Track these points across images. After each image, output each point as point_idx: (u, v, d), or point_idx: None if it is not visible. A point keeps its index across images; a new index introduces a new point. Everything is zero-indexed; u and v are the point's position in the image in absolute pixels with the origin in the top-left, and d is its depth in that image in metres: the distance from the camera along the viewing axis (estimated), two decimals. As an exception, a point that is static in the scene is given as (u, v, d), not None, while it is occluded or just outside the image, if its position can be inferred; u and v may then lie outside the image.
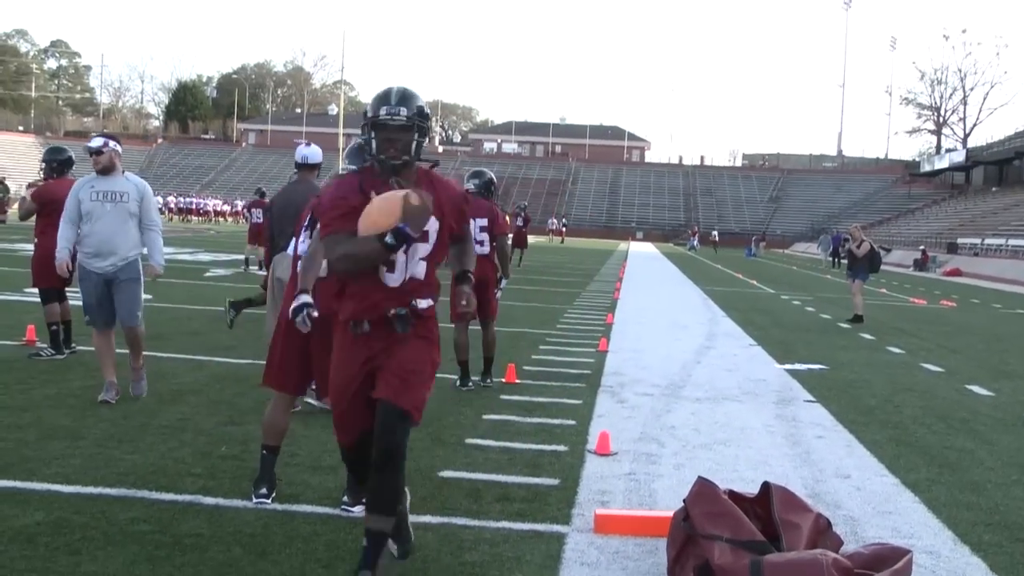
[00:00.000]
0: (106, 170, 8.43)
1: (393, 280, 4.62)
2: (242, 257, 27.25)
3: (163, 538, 5.05)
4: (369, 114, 4.64)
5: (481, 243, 9.89)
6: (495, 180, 10.58)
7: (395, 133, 4.59)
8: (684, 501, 4.90)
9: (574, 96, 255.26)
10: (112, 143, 8.50)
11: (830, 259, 58.84)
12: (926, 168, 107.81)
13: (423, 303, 4.68)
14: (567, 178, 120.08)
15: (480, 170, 10.53)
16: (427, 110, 4.71)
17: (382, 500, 4.47)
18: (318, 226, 5.03)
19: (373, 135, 4.61)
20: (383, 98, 4.64)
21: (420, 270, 4.68)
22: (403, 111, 4.59)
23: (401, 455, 4.52)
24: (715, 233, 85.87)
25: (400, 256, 4.58)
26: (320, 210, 4.79)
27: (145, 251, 8.67)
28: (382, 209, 4.40)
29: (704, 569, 4.65)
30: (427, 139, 4.76)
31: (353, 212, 4.50)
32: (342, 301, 4.73)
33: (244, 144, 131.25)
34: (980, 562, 5.47)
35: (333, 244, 4.53)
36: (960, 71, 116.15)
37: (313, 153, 8.85)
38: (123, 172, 8.58)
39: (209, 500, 5.77)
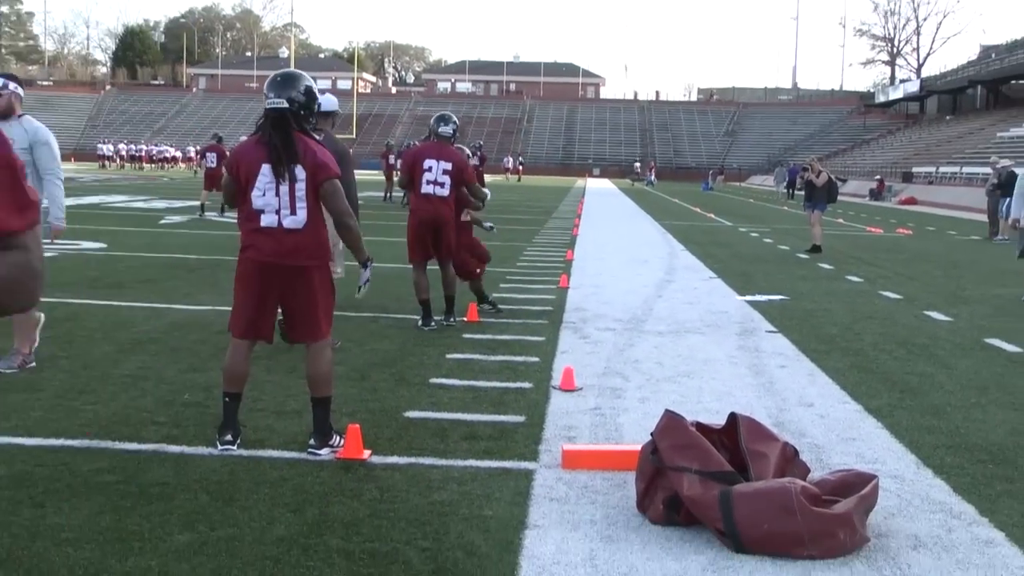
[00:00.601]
0: (3, 114, 7.87)
1: None
2: (198, 203, 26.90)
3: (128, 488, 4.99)
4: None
5: (442, 185, 9.94)
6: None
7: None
8: (652, 434, 4.90)
9: (528, 34, 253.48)
10: (13, 85, 7.92)
11: (786, 191, 59.23)
12: (881, 99, 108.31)
13: None
14: (522, 116, 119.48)
15: (447, 114, 10.44)
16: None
17: None
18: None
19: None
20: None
21: None
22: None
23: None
24: (637, 165, 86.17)
25: None
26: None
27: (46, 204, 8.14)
28: None
29: (674, 501, 4.67)
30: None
31: None
32: None
33: (194, 89, 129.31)
34: (943, 484, 5.53)
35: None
36: (913, 2, 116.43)
37: (327, 101, 8.63)
38: (21, 116, 7.98)
39: (174, 448, 5.71)
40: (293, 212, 5.63)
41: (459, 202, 10.29)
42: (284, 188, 5.62)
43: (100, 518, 4.57)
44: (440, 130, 10.14)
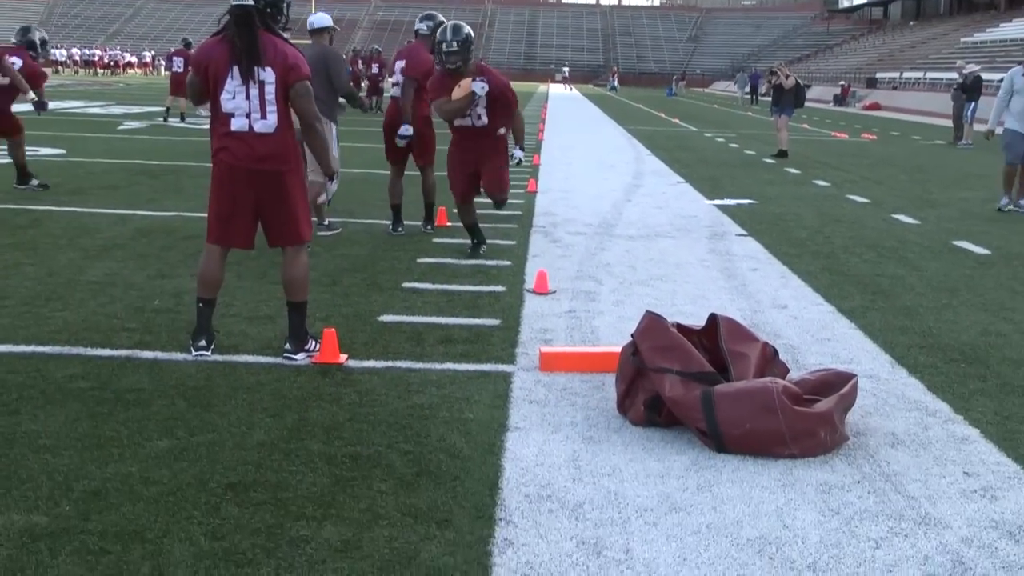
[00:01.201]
0: None
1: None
2: (162, 108, 26.40)
3: (104, 394, 4.92)
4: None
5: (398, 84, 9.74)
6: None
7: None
8: (632, 335, 4.88)
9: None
10: None
11: (748, 96, 59.26)
12: (844, 4, 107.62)
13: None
14: (483, 21, 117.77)
15: (430, 12, 10.05)
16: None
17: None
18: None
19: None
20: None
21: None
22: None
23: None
24: (566, 70, 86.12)
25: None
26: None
27: None
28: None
29: (655, 402, 4.67)
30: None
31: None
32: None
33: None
34: (918, 383, 5.58)
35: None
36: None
37: (319, 19, 9.52)
38: None
39: (147, 354, 5.64)
40: (264, 116, 5.50)
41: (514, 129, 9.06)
42: (254, 91, 5.47)
43: (77, 424, 4.51)
44: (416, 27, 9.85)
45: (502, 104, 8.49)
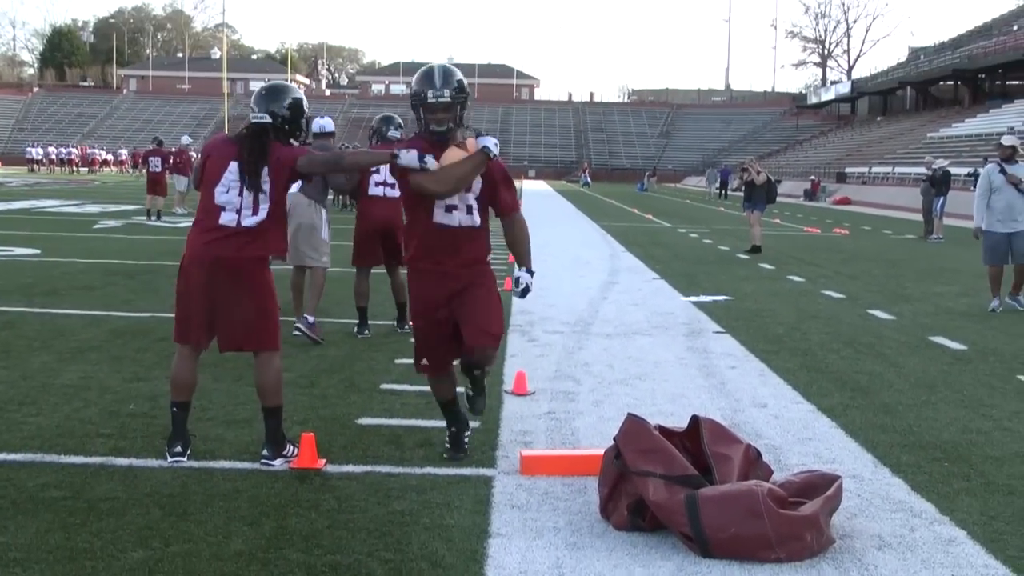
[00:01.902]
0: None
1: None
2: (143, 207, 26.46)
3: (77, 503, 4.82)
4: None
5: (392, 185, 9.36)
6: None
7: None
8: (615, 439, 4.84)
9: (462, 35, 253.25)
10: None
11: (718, 191, 60.19)
12: (813, 100, 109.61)
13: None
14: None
15: (392, 116, 10.18)
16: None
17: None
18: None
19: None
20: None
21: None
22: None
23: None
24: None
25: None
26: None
27: None
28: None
29: (638, 506, 4.61)
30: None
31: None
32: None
33: (125, 91, 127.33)
34: (902, 483, 5.54)
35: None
36: (843, 4, 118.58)
37: (327, 123, 9.85)
38: None
39: (122, 461, 5.54)
40: (255, 212, 5.51)
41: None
42: (248, 194, 5.50)
43: (49, 536, 4.40)
44: (389, 135, 9.82)
45: (504, 197, 5.76)
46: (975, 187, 13.55)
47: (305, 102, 5.81)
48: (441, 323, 5.67)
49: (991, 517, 5.01)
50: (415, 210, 5.63)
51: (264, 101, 5.66)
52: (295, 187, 7.49)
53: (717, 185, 61.33)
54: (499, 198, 5.70)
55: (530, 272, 5.84)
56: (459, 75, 5.65)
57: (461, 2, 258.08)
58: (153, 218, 25.35)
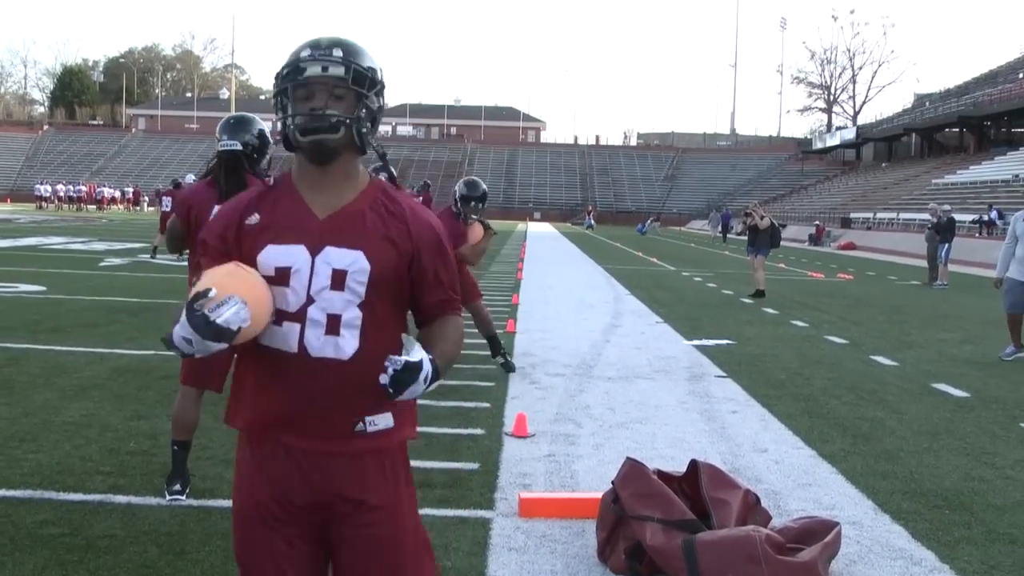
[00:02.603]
0: None
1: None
2: (147, 245, 26.62)
3: (75, 541, 4.83)
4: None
5: None
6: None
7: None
8: (613, 483, 4.85)
9: (468, 77, 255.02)
10: None
11: (720, 234, 60.74)
12: (818, 145, 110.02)
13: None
14: (463, 160, 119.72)
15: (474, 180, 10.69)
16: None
17: None
18: None
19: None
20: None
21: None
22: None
23: None
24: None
25: None
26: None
27: None
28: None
29: (636, 550, 4.61)
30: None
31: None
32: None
33: (134, 130, 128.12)
34: (902, 530, 5.53)
35: None
36: (849, 50, 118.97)
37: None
38: None
39: (120, 499, 5.55)
40: None
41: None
42: None
43: (46, 573, 4.41)
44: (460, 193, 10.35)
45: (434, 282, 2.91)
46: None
47: (267, 131, 5.88)
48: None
49: (992, 567, 4.99)
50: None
51: (233, 130, 5.73)
52: None
53: (719, 228, 61.87)
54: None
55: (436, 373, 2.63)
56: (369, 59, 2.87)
57: (468, 45, 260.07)
58: (145, 256, 25.56)
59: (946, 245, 26.50)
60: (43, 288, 16.86)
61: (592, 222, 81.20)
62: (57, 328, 12.13)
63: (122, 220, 58.02)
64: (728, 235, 59.63)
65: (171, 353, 2.42)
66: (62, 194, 79.84)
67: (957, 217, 29.96)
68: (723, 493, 4.87)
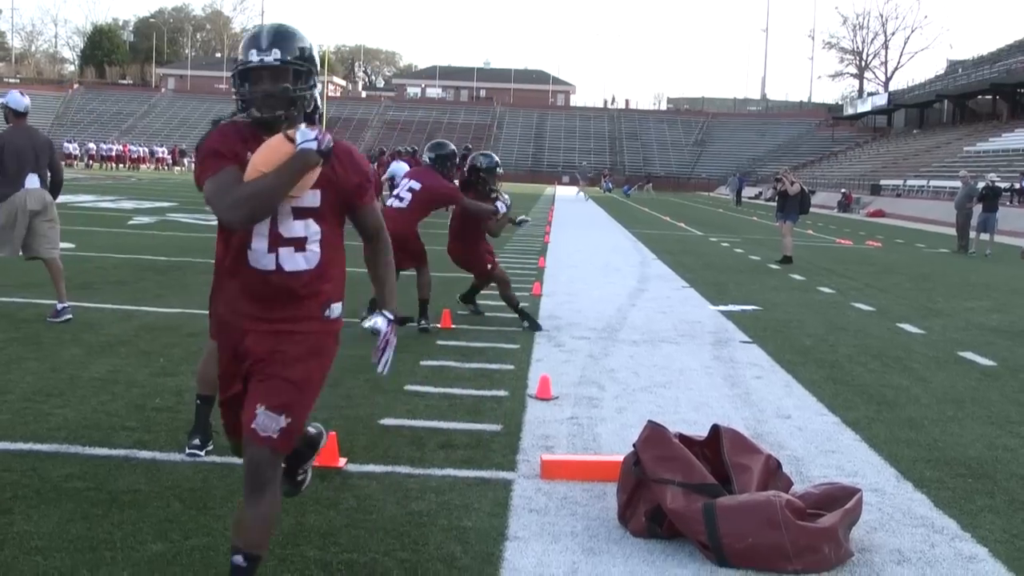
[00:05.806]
0: None
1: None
2: (173, 204, 26.71)
3: (99, 495, 4.88)
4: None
5: (402, 199, 10.20)
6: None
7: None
8: (634, 445, 4.84)
9: (498, 40, 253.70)
10: None
11: (734, 198, 61.51)
12: (849, 111, 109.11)
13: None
14: (492, 123, 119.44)
15: (441, 141, 11.02)
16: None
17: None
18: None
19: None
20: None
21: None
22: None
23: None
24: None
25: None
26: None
27: None
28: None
29: (656, 513, 4.61)
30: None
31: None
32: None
33: (163, 90, 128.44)
34: (924, 498, 5.51)
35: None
36: (882, 16, 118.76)
37: (15, 100, 9.82)
38: None
39: (145, 454, 5.60)
40: None
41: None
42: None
43: (70, 526, 4.45)
44: (426, 156, 10.69)
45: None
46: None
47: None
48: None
49: (1014, 535, 4.97)
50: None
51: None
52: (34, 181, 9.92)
53: (735, 191, 62.84)
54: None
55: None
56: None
57: (498, 7, 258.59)
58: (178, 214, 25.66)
59: (992, 214, 26.09)
60: (72, 245, 16.95)
61: (610, 185, 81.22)
62: (85, 285, 12.21)
63: (151, 179, 58.21)
64: (740, 199, 61.00)
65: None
66: (93, 152, 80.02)
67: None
68: (744, 458, 4.86)
